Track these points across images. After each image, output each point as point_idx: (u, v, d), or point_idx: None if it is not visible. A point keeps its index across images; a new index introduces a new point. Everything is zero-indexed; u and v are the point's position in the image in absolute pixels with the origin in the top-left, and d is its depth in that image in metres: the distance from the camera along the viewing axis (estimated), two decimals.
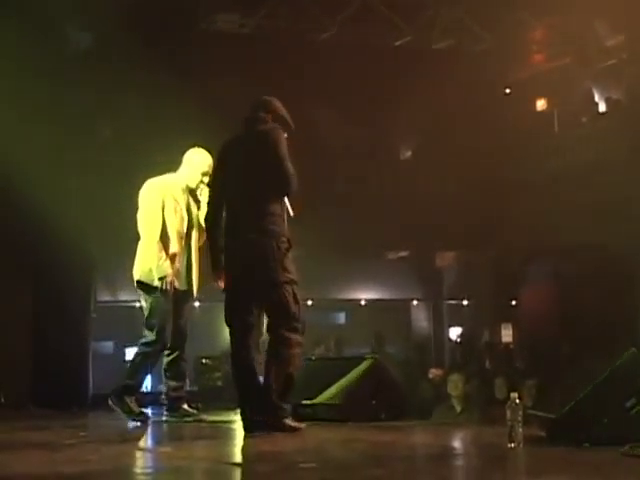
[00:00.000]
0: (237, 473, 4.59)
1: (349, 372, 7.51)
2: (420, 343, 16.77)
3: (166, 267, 7.25)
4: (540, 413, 5.55)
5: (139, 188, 7.60)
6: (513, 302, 16.74)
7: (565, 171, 14.65)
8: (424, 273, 17.55)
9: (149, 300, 7.40)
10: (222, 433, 6.84)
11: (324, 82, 14.20)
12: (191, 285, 7.51)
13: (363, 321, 16.89)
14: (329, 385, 7.42)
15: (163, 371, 7.56)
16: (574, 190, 14.16)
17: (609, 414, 4.95)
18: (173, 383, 7.48)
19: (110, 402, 7.35)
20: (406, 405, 7.62)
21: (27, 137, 10.71)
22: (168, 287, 7.24)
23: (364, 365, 7.57)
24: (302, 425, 6.07)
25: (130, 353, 14.08)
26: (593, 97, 15.71)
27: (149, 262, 7.31)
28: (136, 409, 7.28)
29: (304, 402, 7.32)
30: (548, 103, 16.53)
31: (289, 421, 6.04)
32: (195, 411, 7.52)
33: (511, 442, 4.83)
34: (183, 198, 7.50)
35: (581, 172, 14.23)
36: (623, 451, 4.45)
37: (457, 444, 5.56)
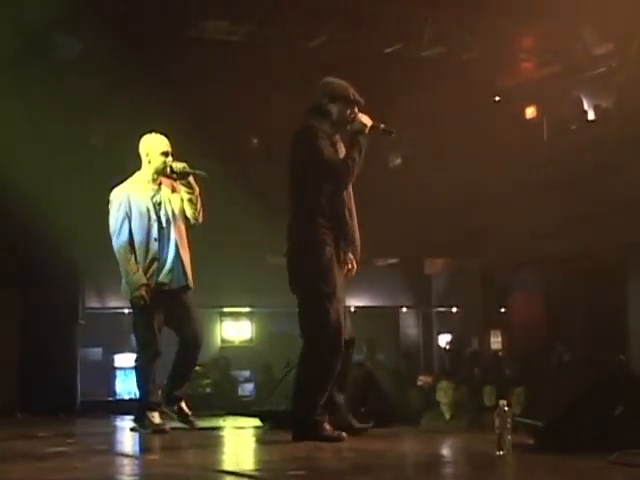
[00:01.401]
0: None
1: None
2: (409, 350, 16.78)
3: (137, 279, 7.04)
4: (528, 420, 5.55)
5: None
6: (502, 309, 16.76)
7: (554, 179, 14.68)
8: (413, 280, 17.56)
9: (132, 312, 7.26)
10: (212, 440, 6.82)
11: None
12: (187, 278, 7.23)
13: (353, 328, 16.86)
14: None
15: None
16: (563, 198, 14.19)
17: (597, 422, 4.95)
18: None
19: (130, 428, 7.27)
20: (395, 412, 7.61)
21: (15, 144, 10.70)
22: (145, 299, 7.02)
23: (353, 373, 7.55)
24: (342, 435, 5.85)
25: (118, 359, 14.11)
26: (582, 105, 15.75)
27: (124, 278, 7.14)
28: (156, 421, 7.07)
29: None
30: (537, 111, 16.57)
31: (325, 431, 5.84)
32: (189, 412, 7.32)
33: (500, 449, 4.83)
34: (153, 190, 7.22)
35: (570, 180, 14.26)
36: (611, 459, 4.45)
37: (446, 451, 5.57)
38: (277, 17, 13.17)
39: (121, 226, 7.12)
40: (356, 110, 6.07)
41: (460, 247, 15.81)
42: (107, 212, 7.30)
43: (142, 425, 7.09)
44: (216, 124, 13.28)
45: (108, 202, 7.27)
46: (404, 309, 17.94)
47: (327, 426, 5.88)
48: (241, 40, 13.42)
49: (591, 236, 13.53)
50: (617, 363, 5.26)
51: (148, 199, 7.20)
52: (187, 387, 7.74)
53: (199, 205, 7.27)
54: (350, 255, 6.15)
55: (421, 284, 17.77)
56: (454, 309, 17.99)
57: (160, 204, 7.22)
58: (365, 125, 6.02)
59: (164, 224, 7.19)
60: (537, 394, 7.43)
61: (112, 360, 14.26)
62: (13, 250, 10.63)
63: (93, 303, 14.08)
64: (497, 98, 16.45)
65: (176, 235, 7.22)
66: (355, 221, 6.10)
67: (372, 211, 14.82)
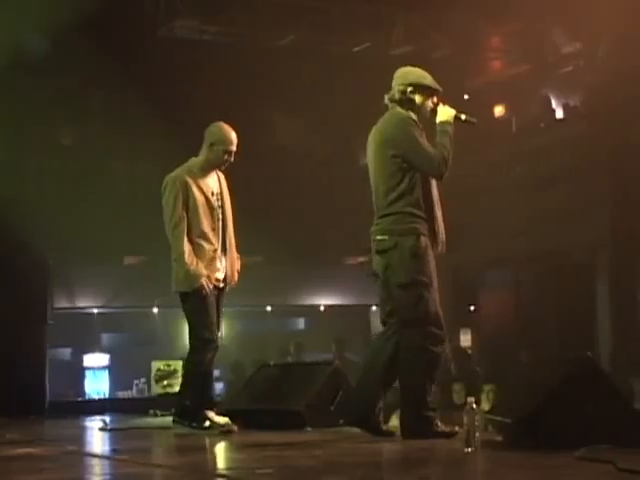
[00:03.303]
0: (192, 479, 4.58)
1: (308, 378, 7.50)
2: None
3: (199, 270, 6.73)
4: (497, 417, 5.58)
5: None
6: (472, 307, 16.82)
7: (524, 177, 14.75)
8: None
9: (187, 308, 6.91)
10: (181, 440, 6.80)
11: (283, 88, 14.21)
12: (227, 276, 6.98)
13: (323, 327, 16.89)
14: (288, 391, 7.42)
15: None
16: (533, 197, 14.26)
17: (565, 418, 4.98)
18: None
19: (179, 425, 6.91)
20: None
21: None
22: (206, 291, 6.74)
23: (323, 371, 7.56)
24: (455, 430, 5.70)
25: (88, 359, 14.02)
26: (551, 104, 15.84)
27: (181, 269, 6.79)
28: (220, 420, 6.81)
29: (263, 409, 7.32)
30: (506, 109, 16.64)
31: (437, 428, 5.78)
32: (223, 419, 6.93)
33: (468, 447, 4.85)
34: (211, 180, 6.93)
35: (539, 178, 14.34)
36: (578, 455, 4.48)
37: (415, 449, 5.57)
38: (246, 16, 13.16)
39: (180, 214, 6.78)
40: (435, 99, 6.07)
41: None
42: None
43: (202, 427, 6.79)
44: (187, 123, 13.24)
45: (164, 186, 6.89)
46: (374, 307, 17.91)
47: (439, 422, 5.81)
48: (211, 39, 13.40)
49: (562, 235, 13.60)
50: (585, 360, 5.28)
51: (207, 188, 6.91)
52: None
53: None
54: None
55: None
56: None
57: (216, 194, 6.96)
58: (450, 114, 6.01)
59: (220, 216, 6.96)
60: (506, 391, 7.47)
61: (81, 360, 14.16)
62: None
63: (62, 303, 13.99)
64: (466, 96, 16.51)
65: (229, 228, 7.02)
66: (441, 214, 6.03)
67: (342, 210, 14.93)
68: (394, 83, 6.06)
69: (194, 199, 6.82)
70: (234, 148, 6.93)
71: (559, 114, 15.73)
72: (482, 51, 15.33)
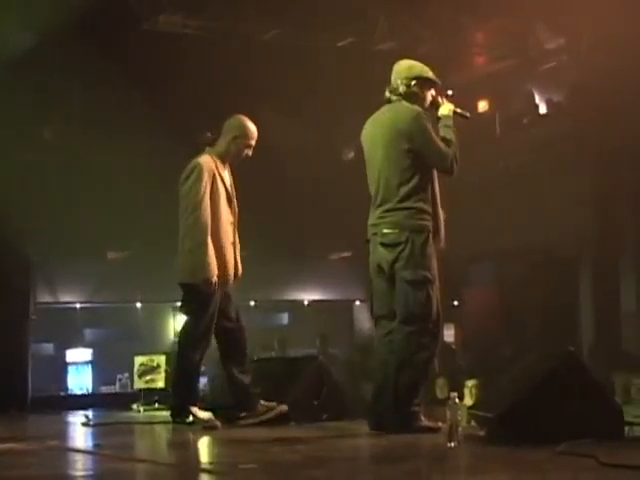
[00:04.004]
0: (175, 474, 4.58)
1: (292, 373, 7.51)
2: (363, 344, 16.81)
3: (214, 266, 6.62)
4: (480, 412, 5.60)
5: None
6: (455, 302, 16.84)
7: (507, 173, 14.77)
8: (367, 273, 17.55)
9: (188, 300, 6.83)
10: (164, 435, 6.79)
11: (268, 83, 14.19)
12: (237, 270, 6.93)
13: (306, 322, 16.89)
14: (272, 386, 7.42)
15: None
16: (516, 192, 14.28)
17: (547, 413, 5.00)
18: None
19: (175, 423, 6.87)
20: (348, 406, 7.63)
21: None
22: (213, 290, 6.65)
23: (307, 366, 7.57)
24: (439, 425, 5.68)
25: (70, 354, 13.98)
26: (534, 99, 15.86)
27: (197, 259, 6.63)
28: (204, 416, 6.75)
29: None
30: (489, 105, 16.65)
31: (422, 422, 5.79)
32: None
33: (451, 441, 4.87)
34: (228, 170, 6.87)
35: (523, 174, 14.36)
36: (560, 449, 4.50)
37: (398, 444, 5.59)
38: (231, 10, 13.13)
39: (206, 204, 6.62)
40: (433, 92, 6.12)
41: None
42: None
43: (184, 422, 6.79)
44: (171, 119, 13.22)
45: (191, 171, 6.72)
46: (358, 302, 17.95)
47: (423, 417, 5.82)
48: (194, 33, 13.36)
49: (545, 231, 13.63)
50: (567, 356, 5.30)
51: (226, 180, 6.85)
52: None
53: None
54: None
55: None
56: None
57: (231, 186, 6.91)
58: (450, 108, 6.12)
59: (234, 207, 6.90)
60: (489, 386, 7.50)
61: (64, 355, 14.11)
62: None
63: (45, 298, 13.94)
64: (450, 92, 16.51)
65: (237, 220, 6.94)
66: (441, 211, 6.09)
67: (325, 204, 14.93)
68: (395, 77, 6.13)
69: (218, 192, 6.74)
70: (254, 142, 6.92)
71: (542, 109, 15.76)
72: (466, 46, 15.33)
